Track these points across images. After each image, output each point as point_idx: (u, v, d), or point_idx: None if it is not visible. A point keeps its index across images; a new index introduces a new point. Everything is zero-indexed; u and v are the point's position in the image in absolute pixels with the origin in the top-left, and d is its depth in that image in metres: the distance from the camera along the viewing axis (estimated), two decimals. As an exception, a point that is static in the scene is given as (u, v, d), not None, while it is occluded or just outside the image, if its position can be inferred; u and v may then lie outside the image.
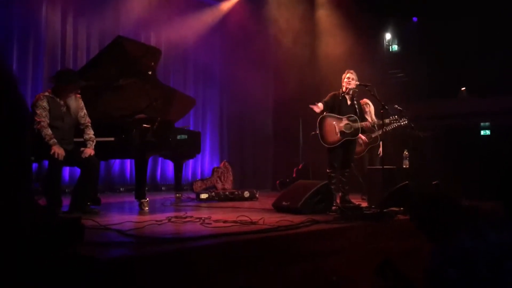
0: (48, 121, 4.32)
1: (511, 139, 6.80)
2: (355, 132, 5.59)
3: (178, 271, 2.60)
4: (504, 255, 1.28)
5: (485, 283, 1.28)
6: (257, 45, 8.90)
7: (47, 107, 4.34)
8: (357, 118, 5.60)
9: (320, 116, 5.55)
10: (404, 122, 5.88)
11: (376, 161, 6.38)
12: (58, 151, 4.20)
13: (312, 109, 5.56)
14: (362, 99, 6.31)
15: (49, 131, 4.27)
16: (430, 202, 1.96)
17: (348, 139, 5.54)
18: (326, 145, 5.50)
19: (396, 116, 5.88)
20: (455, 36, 7.45)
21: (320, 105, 5.53)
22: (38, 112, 4.29)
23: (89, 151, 4.49)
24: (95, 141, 4.62)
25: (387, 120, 5.73)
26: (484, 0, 7.20)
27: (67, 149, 4.35)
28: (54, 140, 4.25)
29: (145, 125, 4.95)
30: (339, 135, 5.51)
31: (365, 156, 6.39)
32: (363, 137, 6.11)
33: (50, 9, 7.33)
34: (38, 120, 4.26)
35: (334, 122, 5.53)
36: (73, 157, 4.42)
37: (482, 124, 7.47)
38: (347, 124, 5.55)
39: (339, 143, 5.51)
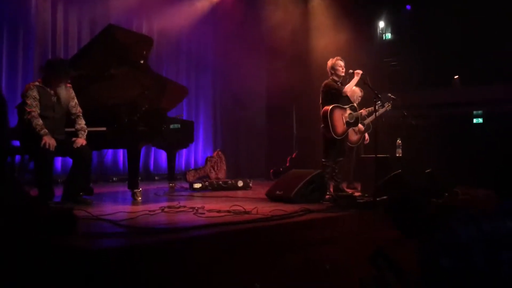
0: (39, 111, 4.27)
1: (504, 127, 6.84)
2: (356, 121, 5.62)
3: (171, 262, 2.60)
4: (499, 245, 1.27)
5: (480, 273, 1.28)
6: (251, 33, 8.84)
7: (37, 97, 4.29)
8: (356, 107, 5.60)
9: (330, 108, 5.44)
10: (388, 107, 5.87)
11: (362, 148, 6.40)
12: (49, 141, 4.16)
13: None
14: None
15: (40, 121, 4.22)
16: (400, 203, 1.97)
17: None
18: (336, 137, 5.44)
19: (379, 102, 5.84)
20: (449, 24, 7.43)
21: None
22: (28, 102, 4.23)
23: (81, 141, 4.44)
24: (86, 131, 4.58)
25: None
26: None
27: (58, 139, 4.30)
28: (45, 130, 4.20)
29: (134, 113, 4.90)
30: (345, 125, 5.51)
31: (360, 144, 6.39)
32: (360, 125, 6.10)
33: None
34: (29, 110, 4.21)
35: (341, 113, 5.51)
36: (65, 147, 4.37)
37: (474, 112, 7.50)
38: (350, 113, 5.55)
39: (346, 133, 5.52)
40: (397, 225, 1.92)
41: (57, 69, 4.39)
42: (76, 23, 7.64)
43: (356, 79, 5.47)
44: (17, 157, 5.04)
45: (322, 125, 5.52)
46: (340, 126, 5.48)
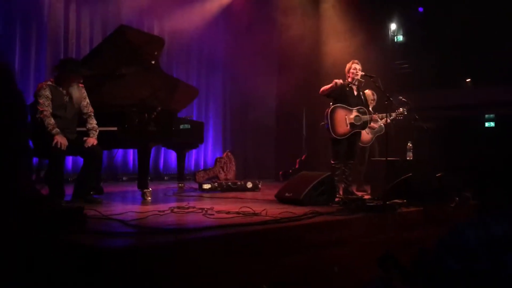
0: (51, 110, 4.31)
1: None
2: (364, 124, 5.58)
3: (180, 262, 2.60)
4: (506, 247, 1.26)
5: (486, 275, 1.27)
6: (261, 35, 8.84)
7: (50, 96, 4.32)
8: (366, 110, 5.57)
9: (332, 107, 5.46)
10: (403, 111, 5.83)
11: (377, 151, 6.39)
12: (61, 140, 4.19)
13: (324, 93, 5.49)
14: (365, 90, 6.27)
15: (52, 121, 4.25)
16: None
17: (355, 131, 5.52)
18: (335, 137, 5.44)
19: (400, 109, 5.83)
20: (461, 27, 7.37)
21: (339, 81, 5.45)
22: (41, 101, 4.27)
23: (92, 140, 4.47)
24: (98, 130, 4.61)
25: (393, 113, 5.74)
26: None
27: (70, 139, 4.34)
28: (57, 129, 4.23)
29: (146, 114, 4.92)
30: (349, 126, 5.47)
31: (373, 144, 6.36)
32: (374, 124, 6.07)
33: (54, -4, 7.28)
34: (41, 109, 4.24)
35: (345, 113, 5.48)
36: (76, 146, 4.41)
37: (486, 116, 7.43)
38: (357, 116, 5.51)
39: (348, 134, 5.48)
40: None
41: (70, 69, 4.42)
42: (88, 23, 7.71)
43: (331, 85, 5.46)
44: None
45: (322, 122, 5.53)
46: (341, 127, 5.45)
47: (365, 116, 5.54)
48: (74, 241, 2.60)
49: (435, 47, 7.83)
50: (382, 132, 6.24)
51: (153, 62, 5.33)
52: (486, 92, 7.44)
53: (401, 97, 6.08)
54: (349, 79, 5.60)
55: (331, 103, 5.56)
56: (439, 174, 4.91)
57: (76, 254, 2.47)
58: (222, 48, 9.50)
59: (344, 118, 5.46)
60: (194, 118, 7.88)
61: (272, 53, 9.40)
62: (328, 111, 5.46)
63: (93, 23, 7.76)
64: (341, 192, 5.42)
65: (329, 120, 5.43)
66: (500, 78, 7.13)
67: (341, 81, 5.50)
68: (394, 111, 5.79)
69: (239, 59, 9.08)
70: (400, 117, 5.83)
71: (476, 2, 7.20)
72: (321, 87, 5.69)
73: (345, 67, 5.67)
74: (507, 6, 7.00)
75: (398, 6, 8.63)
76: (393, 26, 8.86)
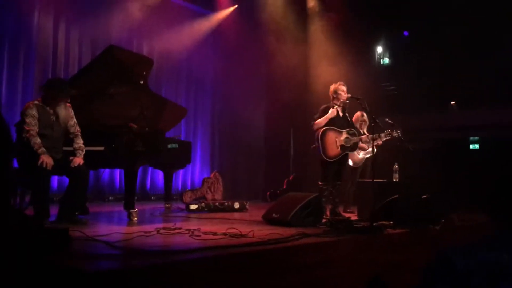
0: (37, 130, 4.28)
1: (499, 153, 6.87)
2: (354, 146, 5.62)
3: (166, 284, 2.57)
4: (497, 276, 1.27)
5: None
6: (250, 56, 8.93)
7: (37, 116, 4.31)
8: (355, 132, 5.62)
9: (322, 130, 5.49)
10: (397, 133, 5.90)
11: (367, 172, 6.42)
12: (47, 160, 4.16)
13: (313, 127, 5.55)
14: (356, 111, 6.35)
15: (38, 140, 4.22)
16: None
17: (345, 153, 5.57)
18: (326, 159, 5.46)
19: (389, 130, 5.90)
20: (446, 50, 7.53)
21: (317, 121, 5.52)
22: (27, 120, 4.25)
23: (78, 160, 4.45)
24: (84, 150, 4.58)
25: (382, 134, 5.79)
26: (474, 14, 7.29)
27: (56, 158, 4.31)
28: (43, 149, 4.21)
29: (134, 134, 4.91)
30: (339, 149, 5.51)
31: (365, 165, 6.41)
32: (365, 145, 6.11)
33: (43, 16, 7.30)
34: (27, 128, 4.22)
35: (335, 136, 5.52)
36: (62, 166, 4.38)
37: (471, 138, 7.54)
38: (347, 137, 5.55)
39: (339, 157, 5.51)
40: None
41: (57, 89, 4.42)
42: (77, 42, 7.72)
43: (329, 115, 5.53)
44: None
45: (313, 145, 5.56)
46: (332, 149, 5.48)
47: (355, 138, 5.60)
48: (58, 262, 2.56)
49: (420, 70, 7.96)
50: (371, 155, 6.29)
51: (141, 82, 5.35)
52: (471, 114, 7.56)
53: (387, 119, 6.16)
54: (335, 101, 5.66)
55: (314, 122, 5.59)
56: (425, 196, 4.95)
57: (60, 276, 2.43)
58: (211, 68, 9.56)
59: (335, 140, 5.50)
60: (182, 138, 7.88)
61: (261, 74, 9.48)
62: (319, 134, 5.49)
63: (82, 43, 7.78)
64: (328, 213, 5.42)
65: (320, 143, 5.45)
66: (485, 101, 7.26)
67: (335, 110, 5.55)
68: (382, 132, 5.86)
69: (228, 79, 9.14)
70: (389, 137, 5.90)
71: (460, 26, 7.36)
72: (308, 108, 5.74)
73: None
74: (492, 30, 7.18)
75: (384, 29, 8.79)
76: (379, 49, 9.01)
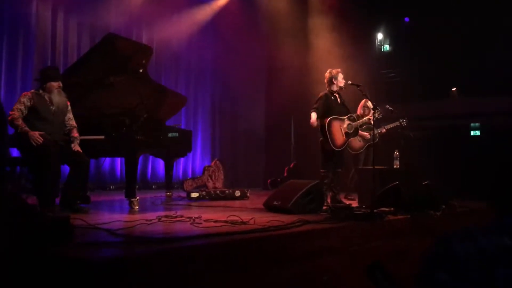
0: (24, 115, 4.29)
1: (500, 140, 6.85)
2: (356, 131, 5.63)
3: (168, 272, 2.58)
4: (495, 261, 1.27)
5: (474, 288, 1.28)
6: (250, 43, 8.88)
7: (28, 104, 4.34)
8: (355, 117, 5.62)
9: (328, 120, 5.44)
10: (403, 122, 5.90)
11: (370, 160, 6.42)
12: (33, 134, 4.16)
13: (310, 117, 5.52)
14: (354, 98, 6.32)
15: (20, 121, 4.24)
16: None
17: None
18: (335, 149, 5.44)
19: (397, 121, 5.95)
20: (447, 36, 7.48)
21: (314, 117, 5.47)
22: (14, 106, 4.31)
23: (77, 147, 4.49)
24: (79, 140, 4.60)
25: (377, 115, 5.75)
26: (475, 0, 7.24)
27: (59, 144, 4.34)
28: (26, 128, 4.21)
29: (132, 122, 4.90)
30: (344, 136, 5.51)
31: (368, 153, 6.40)
32: (365, 134, 6.10)
33: (41, 5, 7.25)
34: (11, 113, 4.25)
35: (339, 124, 5.51)
36: (64, 154, 4.39)
37: (472, 124, 7.52)
38: (349, 124, 5.56)
39: (345, 144, 5.52)
40: None
41: (46, 75, 4.47)
42: (76, 31, 7.68)
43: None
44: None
45: (321, 138, 5.52)
46: (339, 138, 5.48)
47: (355, 123, 5.61)
48: (61, 252, 2.57)
49: (421, 56, 7.92)
50: (376, 141, 6.28)
51: (141, 70, 5.33)
52: (472, 102, 7.53)
53: (388, 106, 6.15)
54: (334, 87, 5.63)
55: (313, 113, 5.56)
56: (425, 182, 4.95)
57: (63, 265, 2.44)
58: (211, 56, 9.52)
59: (340, 129, 5.50)
60: (183, 127, 7.87)
61: (261, 62, 9.43)
62: (325, 125, 5.44)
63: (81, 32, 7.74)
64: (329, 200, 5.43)
65: (328, 134, 5.41)
66: (487, 88, 7.23)
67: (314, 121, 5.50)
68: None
69: (228, 67, 9.10)
70: (395, 124, 5.89)
71: (462, 12, 7.30)
72: (308, 96, 5.73)
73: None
74: (494, 16, 7.12)
75: (384, 16, 8.73)
76: (379, 36, 8.95)
